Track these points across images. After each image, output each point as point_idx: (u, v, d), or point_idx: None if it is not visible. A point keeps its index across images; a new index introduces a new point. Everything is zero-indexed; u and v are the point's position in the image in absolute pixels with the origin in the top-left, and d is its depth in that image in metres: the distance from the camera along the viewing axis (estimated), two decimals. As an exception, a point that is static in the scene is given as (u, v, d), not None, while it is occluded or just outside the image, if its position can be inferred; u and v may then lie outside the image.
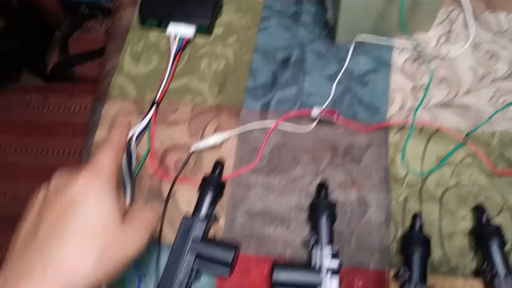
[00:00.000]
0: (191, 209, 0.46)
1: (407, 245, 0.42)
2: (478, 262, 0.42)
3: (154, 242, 0.45)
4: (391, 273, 0.43)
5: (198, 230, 0.43)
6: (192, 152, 0.49)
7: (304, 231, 0.45)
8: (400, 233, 0.44)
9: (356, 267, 0.43)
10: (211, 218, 0.44)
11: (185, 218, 0.44)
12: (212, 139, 0.48)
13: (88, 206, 0.32)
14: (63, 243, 0.30)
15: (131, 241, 0.33)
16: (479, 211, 0.43)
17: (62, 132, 0.93)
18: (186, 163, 0.48)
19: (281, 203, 0.46)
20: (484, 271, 0.41)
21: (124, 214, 0.34)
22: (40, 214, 0.32)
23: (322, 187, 0.45)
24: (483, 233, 0.42)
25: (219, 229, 0.46)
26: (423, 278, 0.40)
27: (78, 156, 0.92)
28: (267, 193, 0.47)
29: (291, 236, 0.45)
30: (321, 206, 0.44)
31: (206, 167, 0.48)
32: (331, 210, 0.43)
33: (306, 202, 0.46)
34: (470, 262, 0.42)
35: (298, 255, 0.44)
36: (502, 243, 0.41)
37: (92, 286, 0.30)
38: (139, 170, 0.49)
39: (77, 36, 1.00)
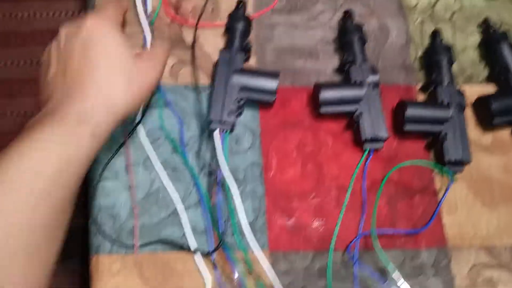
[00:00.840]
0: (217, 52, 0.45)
1: (433, 55, 0.45)
2: (490, 69, 0.47)
3: (186, 87, 0.44)
4: (417, 87, 0.46)
5: (237, 61, 0.42)
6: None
7: (333, 61, 0.47)
8: (420, 52, 0.47)
9: (387, 85, 0.46)
10: (247, 48, 0.44)
11: (222, 51, 0.43)
12: (231, -21, 0.47)
13: (103, 43, 0.33)
14: (95, 76, 0.32)
15: (149, 70, 0.35)
16: (486, 23, 0.48)
17: (11, 42, 0.84)
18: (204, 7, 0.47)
19: (306, 38, 0.47)
20: (497, 74, 0.46)
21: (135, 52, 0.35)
22: (63, 63, 0.33)
23: (348, 14, 0.46)
24: (492, 40, 0.46)
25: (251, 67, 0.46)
26: (451, 81, 0.44)
27: (32, 65, 0.84)
28: (292, 31, 0.47)
29: (322, 66, 0.46)
30: (351, 29, 0.45)
31: (224, 12, 0.47)
32: (361, 31, 0.45)
33: (331, 35, 0.47)
34: (483, 70, 0.47)
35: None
36: (511, 47, 0.46)
37: (127, 108, 0.33)
38: (155, 18, 0.46)
39: None
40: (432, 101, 0.44)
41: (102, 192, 0.40)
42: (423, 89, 0.46)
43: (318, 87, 0.43)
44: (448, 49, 0.45)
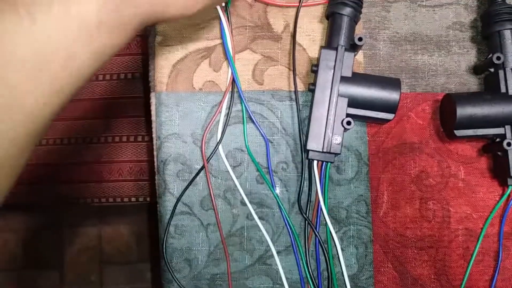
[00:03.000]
0: (316, 47, 0.34)
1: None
2: None
3: (274, 93, 0.34)
4: None
5: (345, 64, 0.32)
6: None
7: (470, 54, 0.35)
8: None
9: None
10: (358, 44, 0.32)
11: (324, 49, 0.32)
12: None
13: None
14: None
15: None
16: None
17: None
18: (299, -20, 0.35)
19: (434, 21, 0.35)
20: None
21: None
22: None
23: (499, -10, 0.33)
24: None
25: (356, 66, 0.35)
26: None
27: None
28: (413, 10, 0.35)
29: (453, 63, 0.35)
30: (502, 13, 0.32)
31: (323, -15, 0.35)
32: (517, 18, 0.32)
33: (468, 16, 0.35)
34: None
35: (466, 87, 0.34)
36: None
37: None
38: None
39: None
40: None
41: (175, 231, 0.33)
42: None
43: (450, 100, 0.32)
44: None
